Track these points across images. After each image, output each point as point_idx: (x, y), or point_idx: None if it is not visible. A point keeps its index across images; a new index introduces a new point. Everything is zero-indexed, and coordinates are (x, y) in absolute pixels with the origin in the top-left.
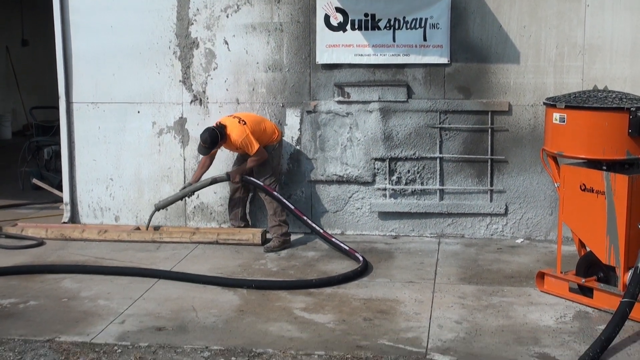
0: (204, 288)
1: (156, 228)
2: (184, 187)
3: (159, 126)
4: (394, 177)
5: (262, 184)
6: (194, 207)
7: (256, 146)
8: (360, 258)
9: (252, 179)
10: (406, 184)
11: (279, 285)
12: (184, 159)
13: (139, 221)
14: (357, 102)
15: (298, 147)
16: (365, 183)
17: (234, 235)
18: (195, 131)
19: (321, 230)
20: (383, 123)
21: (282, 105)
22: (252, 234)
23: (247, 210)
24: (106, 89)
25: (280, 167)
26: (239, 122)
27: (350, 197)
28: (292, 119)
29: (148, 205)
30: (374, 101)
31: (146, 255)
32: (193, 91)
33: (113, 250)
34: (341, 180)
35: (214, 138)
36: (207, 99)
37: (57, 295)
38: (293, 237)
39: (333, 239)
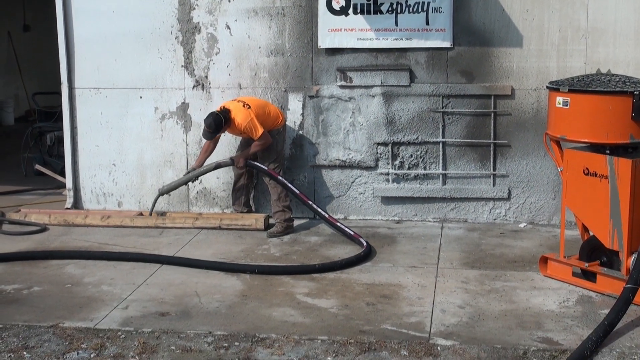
0: (207, 273)
1: (160, 214)
2: (188, 172)
3: (161, 111)
4: (397, 162)
5: (266, 168)
6: (197, 192)
7: (260, 130)
8: (364, 243)
9: (256, 163)
10: (409, 168)
11: (282, 271)
12: (187, 144)
13: (141, 207)
14: (360, 86)
15: (301, 132)
16: (368, 168)
17: (237, 220)
18: (198, 116)
19: (326, 215)
20: (386, 107)
21: (285, 90)
22: (255, 219)
23: (251, 196)
24: (108, 74)
25: (284, 151)
26: (243, 106)
27: (353, 182)
28: (295, 103)
29: (151, 191)
30: (376, 85)
31: (149, 241)
32: (195, 76)
33: (116, 236)
34: (344, 165)
35: (218, 123)
36: (210, 84)
37: (60, 281)
38: (296, 223)
39: (338, 224)
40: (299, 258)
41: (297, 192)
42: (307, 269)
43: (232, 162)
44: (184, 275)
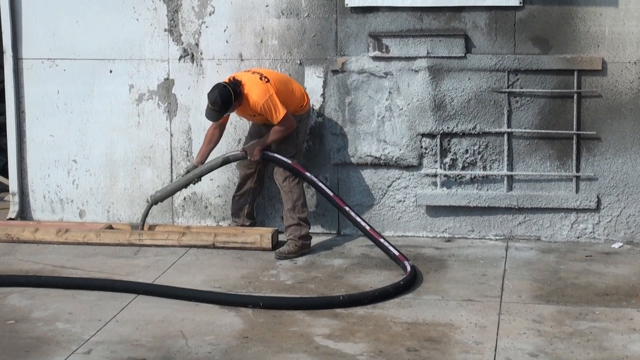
0: (197, 307)
1: (135, 227)
2: (187, 172)
3: (138, 90)
4: (447, 159)
5: (290, 162)
6: (184, 198)
7: (283, 111)
8: (409, 267)
9: (277, 155)
10: (463, 168)
11: (295, 304)
12: (171, 135)
13: (111, 217)
14: (399, 58)
15: (320, 119)
16: (409, 167)
17: (237, 236)
18: (186, 97)
19: (367, 227)
20: (433, 86)
21: (300, 63)
22: (260, 235)
23: (256, 205)
24: (68, 41)
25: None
26: (260, 78)
27: (389, 186)
28: (313, 80)
29: (123, 196)
30: (421, 57)
31: (121, 263)
32: (182, 44)
33: (77, 256)
34: (377, 164)
35: (226, 97)
36: (201, 54)
37: (0, 316)
38: (314, 240)
39: (381, 240)
40: (317, 287)
41: (331, 193)
42: (329, 302)
43: (245, 155)
44: (166, 310)
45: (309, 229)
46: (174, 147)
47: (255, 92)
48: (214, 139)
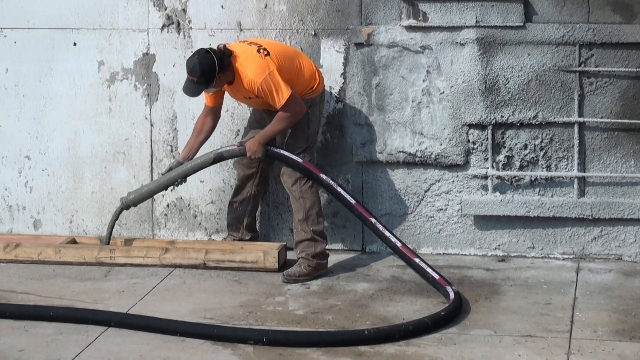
0: (183, 343)
1: (104, 240)
2: (169, 170)
3: (109, 68)
4: (501, 157)
5: (301, 160)
6: (167, 205)
7: (287, 92)
8: (452, 294)
9: (283, 152)
10: (521, 168)
11: (307, 340)
12: (151, 124)
13: (75, 229)
14: (440, 28)
15: (340, 105)
16: (452, 166)
17: (234, 254)
18: (170, 77)
19: (398, 243)
20: (483, 64)
21: (315, 34)
22: (264, 253)
23: (258, 214)
24: (18, 6)
25: (317, 137)
26: (259, 51)
27: (426, 191)
28: (331, 57)
29: (90, 202)
30: (467, 26)
31: (87, 287)
32: (166, 9)
33: (31, 278)
34: (412, 162)
35: (208, 66)
36: (189, 22)
37: None
38: (332, 258)
39: (416, 260)
40: (336, 319)
41: (353, 201)
42: (351, 338)
43: (242, 150)
44: (143, 346)
45: (326, 244)
46: (155, 140)
47: (251, 67)
48: (204, 129)
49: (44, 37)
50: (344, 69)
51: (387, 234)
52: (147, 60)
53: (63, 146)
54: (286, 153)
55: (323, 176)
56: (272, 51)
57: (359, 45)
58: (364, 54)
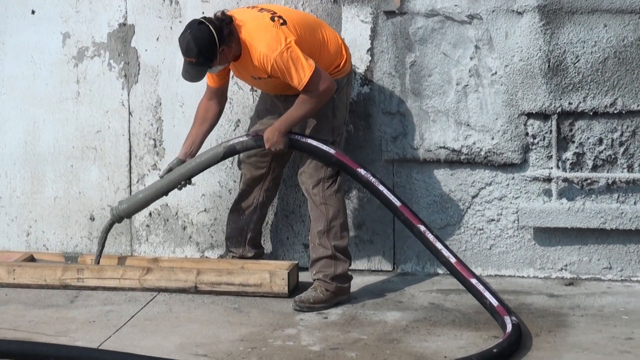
0: None
1: (70, 258)
2: (170, 169)
3: (76, 42)
4: (569, 154)
5: (333, 151)
6: (149, 214)
7: (309, 68)
8: (509, 327)
9: (310, 140)
10: (595, 168)
11: None
12: (130, 113)
13: (33, 243)
14: None
15: (366, 89)
16: (507, 166)
17: (233, 275)
18: (153, 53)
19: (452, 258)
20: (546, 38)
21: (334, 0)
22: (270, 274)
23: (265, 225)
24: None
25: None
26: (272, 18)
27: (475, 197)
28: (355, 28)
29: (53, 210)
30: None
31: (48, 316)
32: None
33: None
34: (456, 160)
35: (206, 41)
36: None
37: None
38: (356, 280)
39: (473, 280)
40: (361, 357)
41: (398, 203)
42: None
43: (259, 141)
44: None
45: (349, 265)
46: (135, 132)
47: (262, 39)
48: (209, 116)
49: None
50: (371, 43)
51: (439, 246)
52: (124, 33)
53: (18, 140)
54: (315, 142)
55: (361, 171)
56: (290, 19)
57: (390, 13)
58: (395, 25)
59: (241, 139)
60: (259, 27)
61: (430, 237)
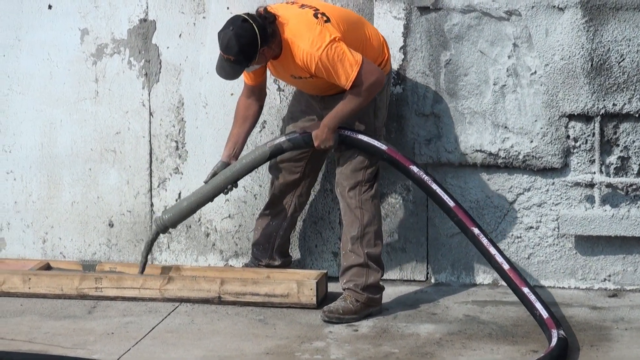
0: None
1: (88, 266)
2: (214, 174)
3: (95, 39)
4: (613, 158)
5: (385, 146)
6: None
7: (356, 63)
8: (553, 340)
9: (361, 136)
10: None
11: None
12: (151, 113)
13: (50, 250)
14: None
15: (399, 89)
16: (546, 170)
17: (258, 284)
18: (175, 50)
19: (505, 265)
20: (589, 35)
21: None
22: (298, 283)
23: (293, 234)
24: None
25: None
26: (316, 15)
27: (512, 202)
28: (387, 24)
29: (70, 216)
30: None
31: (65, 327)
32: None
33: None
34: (493, 164)
35: (248, 39)
36: None
37: None
38: (387, 291)
39: (525, 289)
40: None
41: (452, 203)
42: None
43: (307, 139)
44: None
45: (381, 275)
46: (156, 133)
47: (306, 37)
48: (250, 114)
49: None
50: (404, 41)
51: (493, 250)
52: (144, 29)
53: (34, 142)
54: (366, 137)
55: (414, 168)
56: (332, 16)
57: (424, 9)
58: (430, 22)
59: (288, 137)
60: (302, 25)
61: (485, 240)
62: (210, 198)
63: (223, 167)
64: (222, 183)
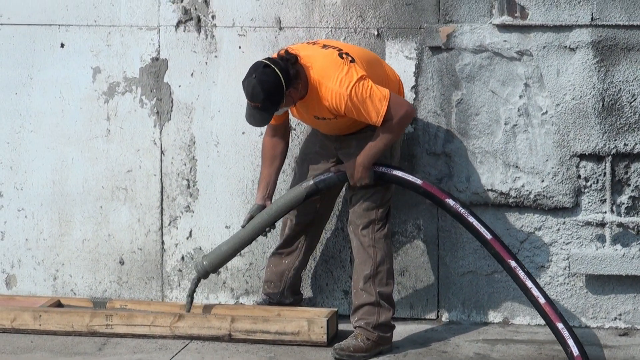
0: None
1: (98, 303)
2: (251, 217)
3: (107, 78)
4: (624, 198)
5: (420, 181)
6: (182, 257)
7: (384, 98)
8: None
9: (397, 171)
10: None
11: None
12: (162, 152)
13: (60, 287)
14: (543, 27)
15: (410, 128)
16: (557, 210)
17: (269, 322)
18: (187, 89)
19: (541, 299)
20: (600, 75)
21: (378, 34)
22: (309, 322)
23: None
24: None
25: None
26: (341, 55)
27: (523, 242)
28: (399, 64)
29: (81, 253)
30: (580, 25)
31: None
32: (182, 1)
33: (1, 352)
34: (504, 203)
35: (272, 85)
36: (213, 18)
37: None
38: (398, 330)
39: (559, 324)
40: None
41: (489, 236)
42: None
43: (340, 178)
44: None
45: (393, 314)
46: (167, 172)
47: (334, 77)
48: (277, 152)
49: (22, 35)
50: (416, 80)
51: (529, 284)
52: (156, 68)
53: (46, 179)
54: (401, 173)
55: (450, 201)
56: (355, 56)
57: (436, 49)
58: (441, 61)
59: (323, 177)
60: (329, 65)
61: (521, 273)
62: (249, 241)
63: (259, 209)
64: (260, 226)
